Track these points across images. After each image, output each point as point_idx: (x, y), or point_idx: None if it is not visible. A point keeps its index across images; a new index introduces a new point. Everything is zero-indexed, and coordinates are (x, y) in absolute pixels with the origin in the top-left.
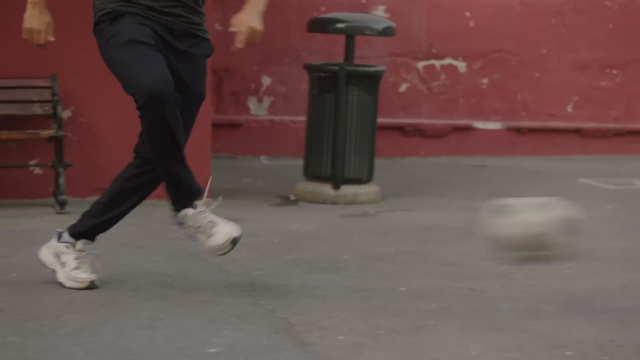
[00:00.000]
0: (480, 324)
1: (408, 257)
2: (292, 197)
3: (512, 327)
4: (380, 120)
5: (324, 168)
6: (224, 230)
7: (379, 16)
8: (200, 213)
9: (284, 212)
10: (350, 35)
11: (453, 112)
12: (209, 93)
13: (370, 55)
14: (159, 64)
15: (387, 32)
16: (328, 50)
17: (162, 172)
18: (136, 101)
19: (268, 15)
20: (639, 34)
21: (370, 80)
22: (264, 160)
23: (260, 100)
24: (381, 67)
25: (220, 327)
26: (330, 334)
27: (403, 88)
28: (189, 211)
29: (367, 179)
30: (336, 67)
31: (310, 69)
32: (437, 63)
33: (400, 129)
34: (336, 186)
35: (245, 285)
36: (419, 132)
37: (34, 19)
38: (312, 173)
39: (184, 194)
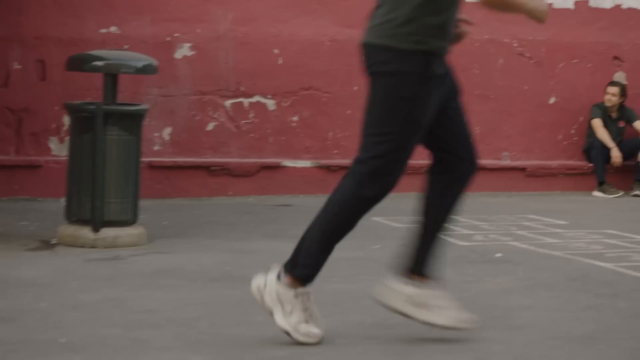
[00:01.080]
0: None
1: (107, 305)
2: (53, 241)
3: None
4: (186, 159)
5: (84, 210)
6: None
7: (141, 54)
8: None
9: (30, 257)
10: (109, 73)
11: (263, 150)
12: (8, 134)
13: (176, 94)
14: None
15: (146, 70)
16: (132, 89)
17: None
18: (371, 169)
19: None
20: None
21: (131, 120)
22: (64, 201)
23: (61, 141)
24: (143, 106)
25: None
26: None
27: (210, 127)
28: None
29: (131, 221)
30: (93, 107)
31: (69, 108)
32: (246, 101)
33: (206, 168)
34: (95, 229)
35: None
36: (226, 171)
37: None
38: (73, 215)
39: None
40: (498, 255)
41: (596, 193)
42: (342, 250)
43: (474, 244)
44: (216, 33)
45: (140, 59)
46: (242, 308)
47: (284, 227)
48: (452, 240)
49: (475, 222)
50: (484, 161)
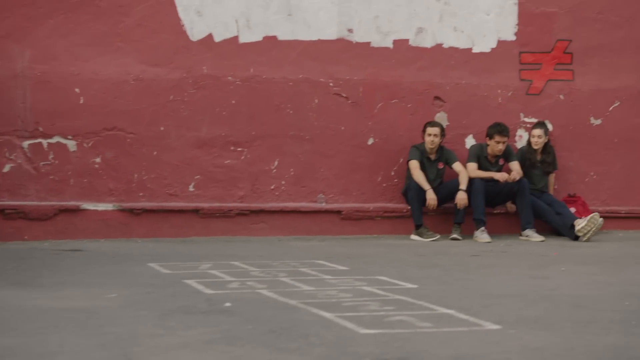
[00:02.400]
0: None
1: None
2: None
3: None
4: None
5: None
6: None
7: None
8: None
9: None
10: None
11: (63, 193)
12: None
13: None
14: None
15: None
16: None
17: None
18: None
19: None
20: (263, 110)
21: None
22: None
23: None
24: None
25: None
26: None
27: (7, 168)
28: None
29: None
30: None
31: None
32: (45, 142)
33: (1, 211)
34: None
35: None
36: (21, 214)
37: None
38: None
39: None
40: (227, 304)
41: (413, 236)
42: (66, 299)
43: (220, 292)
44: (13, 71)
45: None
46: None
47: (42, 274)
48: (201, 287)
49: (251, 267)
50: (298, 204)
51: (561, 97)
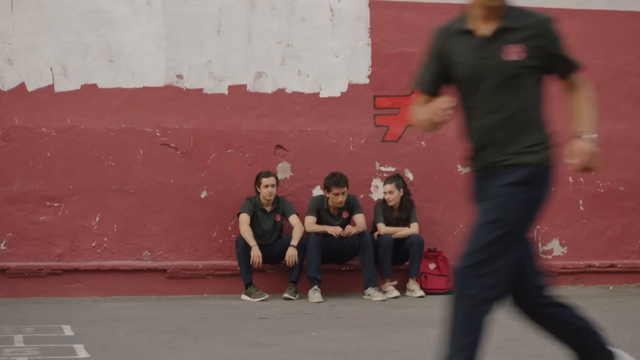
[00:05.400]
0: None
1: None
2: None
3: None
4: None
5: None
6: None
7: None
8: None
9: None
10: None
11: None
12: None
13: None
14: None
15: None
16: None
17: None
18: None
19: None
20: (82, 162)
21: None
22: None
23: None
24: None
25: None
26: None
27: None
28: None
29: None
30: None
31: None
32: None
33: None
34: None
35: None
36: None
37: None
38: None
39: None
40: None
41: (243, 296)
42: None
43: None
44: None
45: None
46: None
47: None
48: None
49: None
50: (120, 262)
51: (423, 143)
